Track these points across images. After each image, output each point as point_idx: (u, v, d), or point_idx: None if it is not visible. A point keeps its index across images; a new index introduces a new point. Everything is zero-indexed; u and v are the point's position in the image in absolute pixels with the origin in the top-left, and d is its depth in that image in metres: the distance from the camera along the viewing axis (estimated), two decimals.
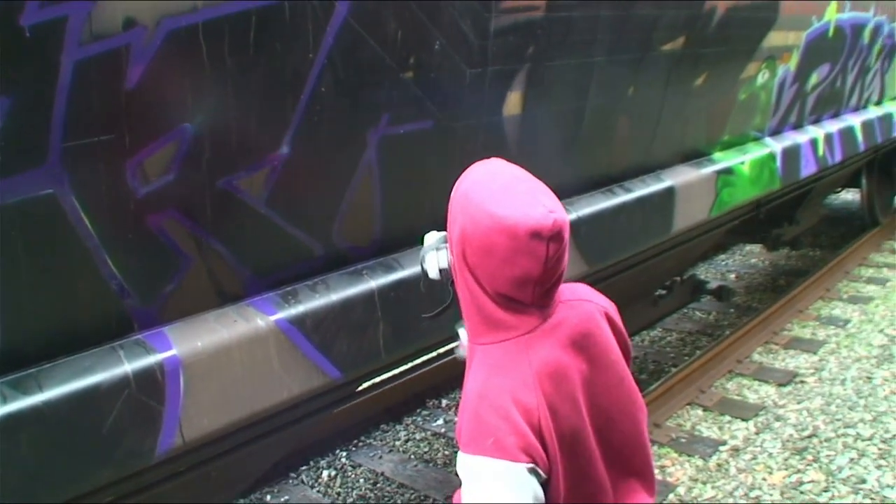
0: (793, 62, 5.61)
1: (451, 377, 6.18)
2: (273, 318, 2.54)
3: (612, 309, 1.84)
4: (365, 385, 3.33)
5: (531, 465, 1.54)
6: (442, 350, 3.57)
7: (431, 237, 1.93)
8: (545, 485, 1.60)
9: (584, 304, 1.75)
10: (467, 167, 1.75)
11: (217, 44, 2.25)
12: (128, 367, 2.24)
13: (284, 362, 2.56)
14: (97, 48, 2.02)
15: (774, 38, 5.19)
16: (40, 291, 2.12)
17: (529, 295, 1.59)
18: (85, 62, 2.01)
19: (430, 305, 2.04)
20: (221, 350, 2.43)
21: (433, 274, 1.88)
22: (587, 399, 1.67)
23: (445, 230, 1.79)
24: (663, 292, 6.49)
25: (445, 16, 2.83)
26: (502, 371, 1.61)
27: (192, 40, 2.20)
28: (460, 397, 1.73)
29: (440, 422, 5.72)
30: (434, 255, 1.86)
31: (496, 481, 1.52)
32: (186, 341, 2.38)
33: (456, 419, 5.49)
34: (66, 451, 2.12)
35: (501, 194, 1.57)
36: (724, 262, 9.48)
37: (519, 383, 1.58)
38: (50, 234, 2.10)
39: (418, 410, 5.89)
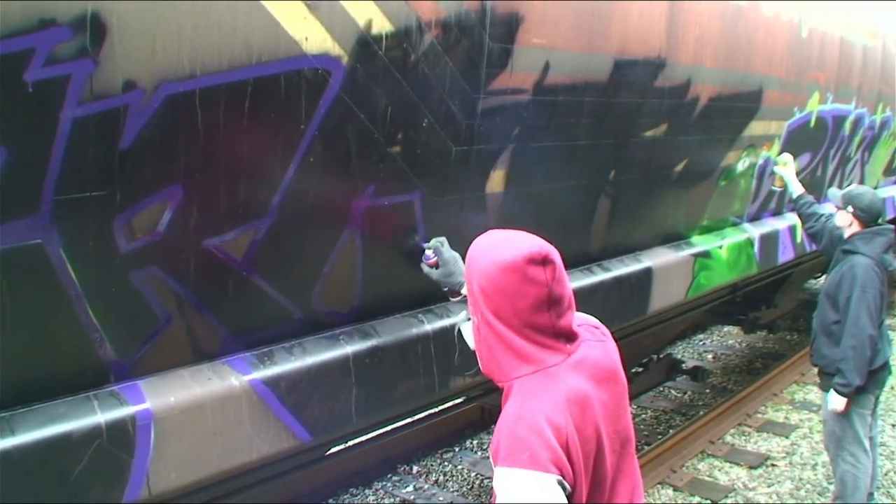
0: (774, 150, 5.76)
1: (422, 444, 6.19)
2: (247, 377, 2.58)
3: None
4: (335, 449, 3.36)
5: (560, 478, 1.73)
6: (414, 417, 3.62)
7: (457, 317, 2.17)
8: (568, 497, 1.78)
9: (605, 341, 2.02)
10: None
11: (212, 110, 2.33)
12: (101, 417, 2.27)
13: (255, 422, 2.59)
14: (96, 107, 2.10)
15: (756, 127, 5.34)
16: (20, 336, 2.16)
17: (548, 318, 1.83)
18: (83, 119, 2.08)
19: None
20: (194, 406, 2.46)
21: (471, 342, 2.08)
22: (606, 426, 1.88)
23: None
24: (639, 370, 6.54)
25: (435, 95, 2.93)
26: (536, 396, 1.82)
27: (188, 105, 2.28)
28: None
29: (410, 488, 5.70)
30: (467, 325, 2.10)
31: (530, 489, 1.71)
32: (160, 395, 2.42)
33: (425, 487, 5.46)
34: (33, 497, 2.14)
35: (500, 245, 1.90)
36: (701, 342, 9.55)
37: (550, 406, 1.79)
38: (35, 282, 2.15)
39: (389, 476, 5.87)
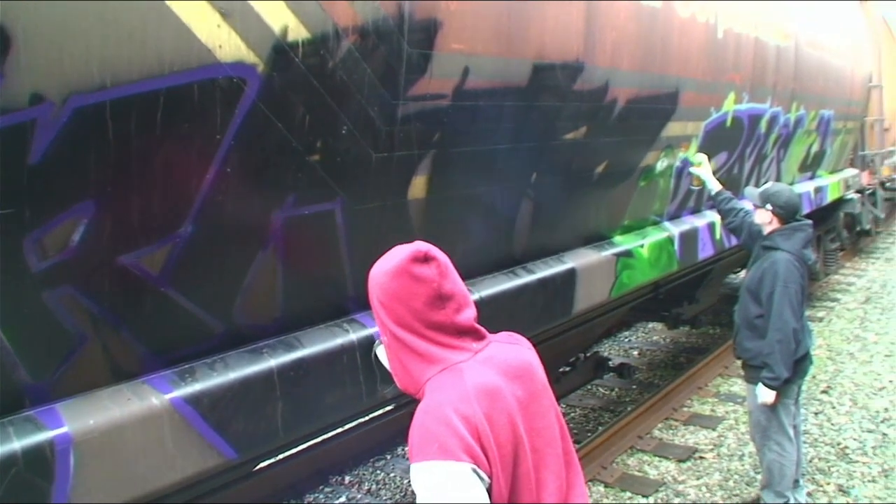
0: (692, 151, 5.87)
1: (354, 454, 6.14)
2: (168, 396, 2.51)
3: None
4: (265, 463, 3.30)
5: (473, 466, 1.75)
6: (344, 427, 3.58)
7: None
8: (489, 491, 1.78)
9: (519, 344, 2.07)
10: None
11: (124, 122, 2.27)
12: (17, 444, 2.18)
13: (178, 442, 2.52)
14: (2, 122, 2.02)
15: (674, 128, 5.45)
16: None
17: (445, 315, 1.90)
18: None
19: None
20: (114, 428, 2.39)
21: (387, 364, 2.09)
22: (524, 422, 1.90)
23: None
24: (567, 369, 6.60)
25: (353, 101, 2.91)
26: (443, 390, 1.85)
27: (98, 118, 2.21)
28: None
29: (343, 499, 5.66)
30: (381, 348, 2.12)
31: (444, 480, 1.73)
32: (78, 418, 2.34)
33: (358, 496, 5.43)
34: None
35: (386, 257, 1.98)
36: (627, 340, 9.70)
37: (457, 397, 1.82)
38: None
39: (321, 487, 5.81)
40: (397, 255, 1.94)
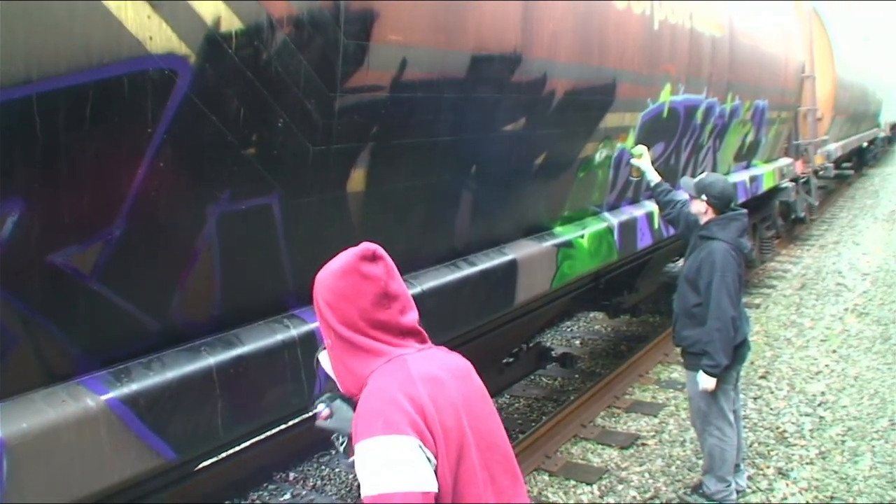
0: (630, 142, 5.94)
1: (297, 450, 6.09)
2: (104, 397, 2.45)
3: None
4: (206, 463, 3.25)
5: (419, 442, 1.74)
6: (286, 425, 3.54)
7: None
8: (434, 472, 1.77)
9: (456, 354, 2.09)
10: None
11: (52, 116, 2.20)
12: None
13: (115, 444, 2.47)
14: None
15: (611, 119, 5.49)
16: None
17: (390, 315, 1.93)
18: None
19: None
20: (48, 431, 2.32)
21: (329, 369, 2.09)
22: (468, 420, 1.90)
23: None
24: (510, 360, 6.63)
25: (290, 93, 2.87)
26: (386, 377, 1.87)
27: (25, 112, 2.15)
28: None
29: (287, 496, 5.61)
30: (324, 354, 2.09)
31: (389, 453, 1.72)
32: (11, 422, 2.27)
33: (303, 493, 5.39)
34: None
35: (333, 260, 2.00)
36: (569, 329, 9.79)
37: (402, 380, 1.84)
38: None
39: (265, 484, 5.75)
40: (345, 255, 1.97)
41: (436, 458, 1.78)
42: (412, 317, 2.00)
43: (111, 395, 2.47)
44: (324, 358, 2.11)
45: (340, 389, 2.03)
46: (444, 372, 1.93)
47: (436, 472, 1.77)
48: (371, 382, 1.89)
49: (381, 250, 1.97)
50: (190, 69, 2.53)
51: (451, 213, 4.10)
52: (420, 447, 1.74)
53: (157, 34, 2.41)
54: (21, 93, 2.12)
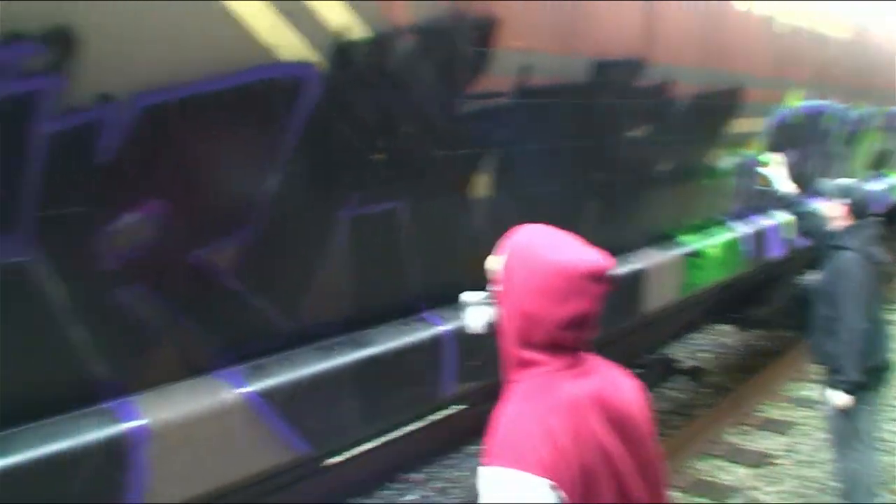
0: (755, 148, 5.78)
1: (424, 452, 6.15)
2: (241, 391, 2.56)
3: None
4: (333, 460, 3.34)
5: (552, 483, 1.60)
6: (416, 425, 3.61)
7: (472, 296, 2.04)
8: None
9: (618, 371, 1.90)
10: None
11: (190, 120, 2.34)
12: (94, 435, 2.25)
13: (251, 436, 2.57)
14: (71, 121, 2.10)
15: (736, 125, 5.37)
16: (5, 357, 2.13)
17: (573, 338, 1.74)
18: (57, 135, 2.08)
19: None
20: (189, 422, 2.44)
21: (476, 327, 2.02)
22: (612, 448, 1.74)
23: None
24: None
25: (414, 100, 2.94)
26: (530, 397, 1.72)
27: (165, 117, 2.28)
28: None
29: (413, 497, 5.66)
30: (478, 311, 2.01)
31: (515, 491, 1.60)
32: (154, 412, 2.40)
33: (430, 495, 5.43)
34: None
35: (558, 244, 1.77)
36: (697, 342, 9.54)
37: (545, 409, 1.69)
38: (21, 301, 2.14)
39: (391, 485, 5.82)
40: (573, 253, 1.74)
41: (568, 498, 1.64)
42: (593, 335, 1.81)
43: (248, 388, 2.59)
44: (475, 311, 2.00)
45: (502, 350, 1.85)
46: (594, 398, 1.76)
47: None
48: (515, 397, 1.75)
49: (612, 268, 1.75)
50: (319, 76, 2.63)
51: (573, 220, 4.09)
52: (552, 488, 1.61)
53: (286, 42, 2.53)
54: (163, 96, 2.27)
